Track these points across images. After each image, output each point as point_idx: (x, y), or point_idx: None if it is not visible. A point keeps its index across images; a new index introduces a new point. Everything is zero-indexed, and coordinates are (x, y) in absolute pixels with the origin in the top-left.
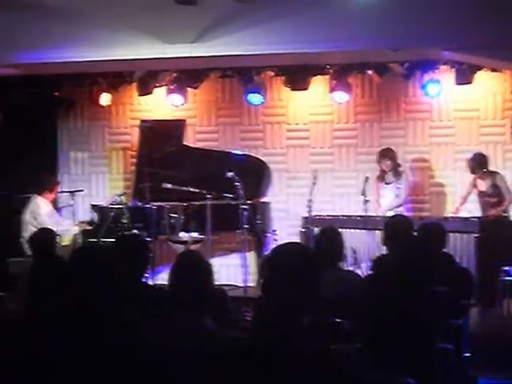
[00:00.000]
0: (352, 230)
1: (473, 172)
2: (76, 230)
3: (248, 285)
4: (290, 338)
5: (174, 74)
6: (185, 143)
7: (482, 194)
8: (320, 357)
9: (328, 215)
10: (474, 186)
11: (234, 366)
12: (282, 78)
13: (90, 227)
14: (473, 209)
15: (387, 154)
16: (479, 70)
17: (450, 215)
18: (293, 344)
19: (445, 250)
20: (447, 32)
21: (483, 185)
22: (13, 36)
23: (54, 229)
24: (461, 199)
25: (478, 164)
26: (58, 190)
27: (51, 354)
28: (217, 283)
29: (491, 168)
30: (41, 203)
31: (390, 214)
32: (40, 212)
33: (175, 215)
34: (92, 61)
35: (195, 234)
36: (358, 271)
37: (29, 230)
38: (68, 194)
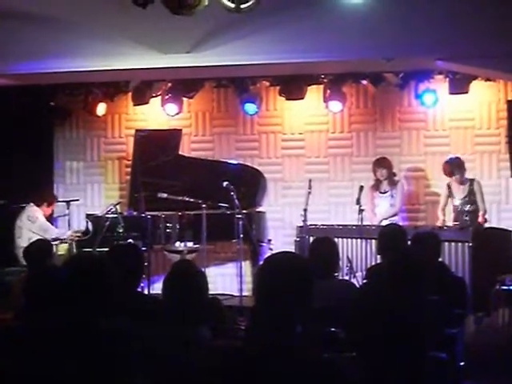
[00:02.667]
0: (347, 240)
1: (451, 175)
2: (69, 235)
3: (243, 294)
4: (284, 347)
5: (169, 84)
6: (180, 153)
7: (458, 202)
8: (314, 366)
9: (323, 224)
10: (449, 195)
11: (228, 375)
12: (277, 88)
13: (83, 237)
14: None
15: (383, 163)
16: (474, 79)
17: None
18: (286, 353)
19: (439, 259)
20: (441, 42)
21: (459, 191)
22: (8, 46)
23: (53, 233)
24: (441, 214)
25: (457, 166)
26: (54, 206)
27: (43, 362)
28: (212, 292)
29: (469, 176)
30: (38, 211)
31: (385, 223)
32: (38, 216)
33: (170, 225)
34: (87, 71)
35: (190, 244)
36: (353, 280)
37: (24, 235)
38: (63, 203)
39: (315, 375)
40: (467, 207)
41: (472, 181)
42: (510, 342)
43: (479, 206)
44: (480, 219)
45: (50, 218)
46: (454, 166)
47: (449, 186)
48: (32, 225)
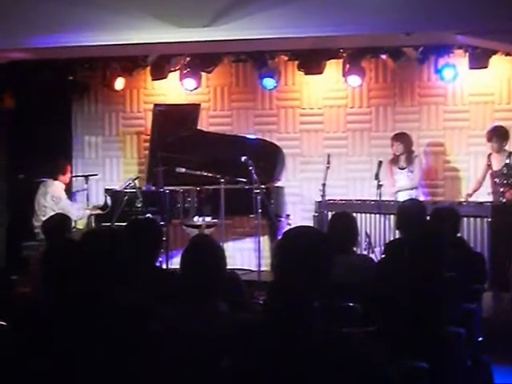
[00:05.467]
0: (365, 215)
1: (489, 141)
2: (88, 213)
3: (262, 269)
4: (302, 321)
5: (188, 59)
6: (198, 127)
7: (494, 174)
8: (332, 340)
9: (341, 200)
10: (489, 165)
11: (246, 348)
12: (295, 63)
13: (102, 211)
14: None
15: (400, 138)
16: (494, 54)
17: (463, 200)
18: (304, 328)
19: (458, 234)
20: (461, 16)
21: (497, 163)
22: (26, 20)
23: (73, 216)
24: (476, 184)
25: (496, 133)
26: (70, 172)
27: (62, 336)
28: (230, 267)
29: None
30: (60, 187)
31: (401, 195)
32: (61, 196)
33: (189, 199)
34: (106, 45)
35: (209, 219)
36: (372, 255)
37: (47, 213)
38: (82, 178)
39: (333, 349)
40: (502, 179)
41: (510, 154)
42: None
43: None
44: (507, 195)
45: (69, 193)
46: (493, 133)
47: (489, 156)
48: (55, 205)
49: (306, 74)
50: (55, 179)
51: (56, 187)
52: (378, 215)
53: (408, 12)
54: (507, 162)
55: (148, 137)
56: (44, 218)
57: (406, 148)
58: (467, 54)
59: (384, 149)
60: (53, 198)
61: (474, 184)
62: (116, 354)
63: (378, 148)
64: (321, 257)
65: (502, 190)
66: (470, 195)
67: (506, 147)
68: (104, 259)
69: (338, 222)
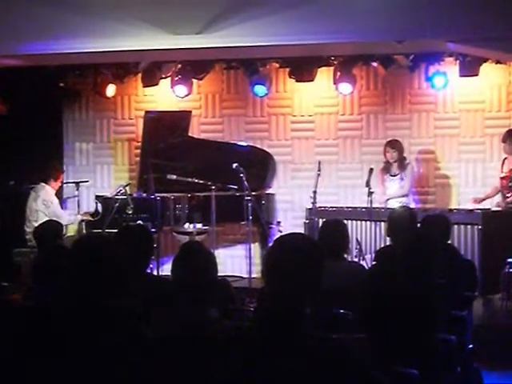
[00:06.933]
0: (356, 222)
1: (504, 141)
2: (79, 218)
3: (252, 276)
4: (293, 328)
5: (179, 65)
6: (190, 134)
7: (503, 178)
8: (322, 347)
9: (332, 207)
10: (501, 168)
11: (236, 355)
12: (287, 70)
13: (93, 218)
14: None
15: (395, 145)
16: (484, 62)
17: (455, 207)
18: (295, 334)
19: (449, 241)
20: (451, 24)
21: (507, 166)
22: (18, 26)
23: (65, 221)
24: (493, 190)
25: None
26: (63, 180)
27: (54, 342)
28: (221, 274)
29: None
30: (51, 192)
31: (392, 202)
32: (53, 200)
33: (180, 206)
34: (97, 52)
35: (200, 225)
36: (363, 262)
37: (40, 218)
38: (73, 184)
39: (323, 356)
40: (510, 183)
41: None
42: None
43: None
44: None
45: (60, 200)
46: (508, 135)
47: (503, 161)
48: (46, 209)
49: (297, 81)
50: (46, 183)
51: (47, 191)
52: (368, 222)
53: (399, 20)
54: None
55: (139, 143)
56: (36, 224)
57: (400, 155)
58: (458, 61)
59: (375, 156)
60: (44, 201)
61: (490, 190)
62: (109, 359)
63: (368, 155)
64: (312, 264)
65: (508, 193)
66: (480, 201)
67: None
68: (95, 266)
69: (328, 229)
